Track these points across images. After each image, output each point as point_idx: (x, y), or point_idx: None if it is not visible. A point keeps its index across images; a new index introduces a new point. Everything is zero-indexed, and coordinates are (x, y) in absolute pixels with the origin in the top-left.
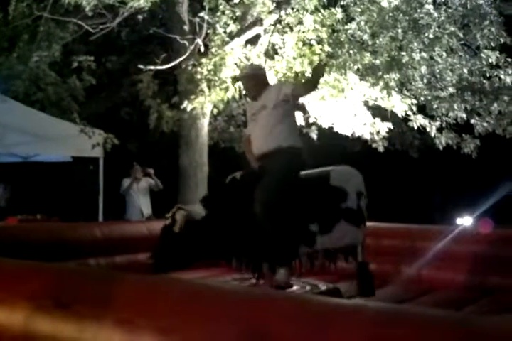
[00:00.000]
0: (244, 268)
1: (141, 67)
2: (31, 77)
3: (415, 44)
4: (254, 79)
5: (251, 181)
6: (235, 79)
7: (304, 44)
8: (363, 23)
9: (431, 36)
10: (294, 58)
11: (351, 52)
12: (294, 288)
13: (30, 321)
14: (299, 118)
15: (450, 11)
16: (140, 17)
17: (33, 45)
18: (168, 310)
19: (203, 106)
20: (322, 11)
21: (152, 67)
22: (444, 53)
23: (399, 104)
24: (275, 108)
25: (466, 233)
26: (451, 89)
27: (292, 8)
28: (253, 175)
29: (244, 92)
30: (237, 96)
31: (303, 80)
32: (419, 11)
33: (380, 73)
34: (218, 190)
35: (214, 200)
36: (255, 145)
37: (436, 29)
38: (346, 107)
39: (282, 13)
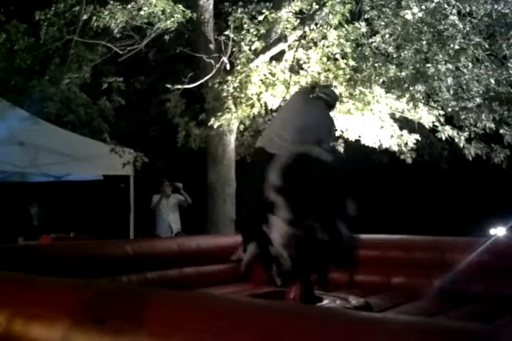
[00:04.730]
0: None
1: (168, 86)
2: (63, 98)
3: (440, 56)
4: None
5: None
6: None
7: (329, 59)
8: (387, 36)
9: (456, 47)
10: (319, 73)
11: (376, 65)
12: (324, 302)
13: (67, 336)
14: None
15: (475, 21)
16: (167, 37)
17: (63, 68)
18: (202, 325)
19: (230, 122)
20: (346, 25)
21: (179, 86)
22: (470, 64)
23: (426, 116)
24: None
25: (500, 244)
26: (478, 100)
27: (316, 24)
28: None
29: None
30: (262, 112)
31: None
32: (443, 22)
33: (406, 85)
34: None
35: None
36: None
37: (462, 40)
38: (373, 120)
39: (306, 28)
